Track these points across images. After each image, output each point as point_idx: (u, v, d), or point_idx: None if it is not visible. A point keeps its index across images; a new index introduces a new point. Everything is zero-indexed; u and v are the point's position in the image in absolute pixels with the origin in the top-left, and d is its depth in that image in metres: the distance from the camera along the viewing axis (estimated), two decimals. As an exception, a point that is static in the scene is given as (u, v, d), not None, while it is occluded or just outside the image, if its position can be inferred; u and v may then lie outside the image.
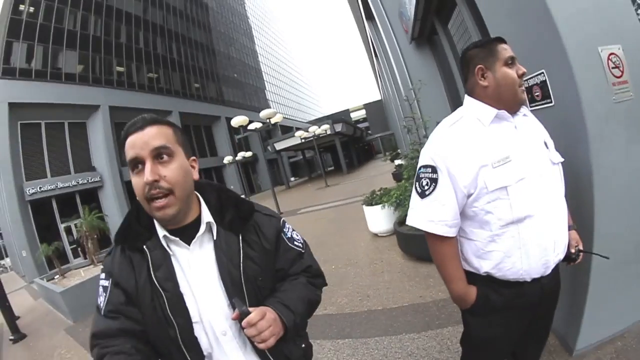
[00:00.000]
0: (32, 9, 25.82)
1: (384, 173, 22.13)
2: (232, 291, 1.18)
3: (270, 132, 48.38)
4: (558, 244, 1.51)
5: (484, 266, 1.53)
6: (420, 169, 1.55)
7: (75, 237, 23.73)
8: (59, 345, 6.74)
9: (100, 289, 1.21)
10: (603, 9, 1.93)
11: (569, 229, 1.62)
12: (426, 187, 1.50)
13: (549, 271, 1.52)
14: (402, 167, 9.64)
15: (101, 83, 29.83)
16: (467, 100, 1.60)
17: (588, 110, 1.88)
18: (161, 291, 1.14)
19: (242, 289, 1.19)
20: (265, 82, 70.60)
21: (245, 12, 69.60)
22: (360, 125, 68.98)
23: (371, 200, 7.54)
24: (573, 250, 1.64)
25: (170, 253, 1.19)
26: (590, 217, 2.03)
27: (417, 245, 5.29)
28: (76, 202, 25.49)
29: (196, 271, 1.19)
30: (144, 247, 1.18)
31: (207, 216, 1.24)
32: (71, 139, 27.01)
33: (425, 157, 1.53)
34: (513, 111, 1.52)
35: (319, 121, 45.09)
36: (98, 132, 27.88)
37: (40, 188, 23.58)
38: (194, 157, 1.27)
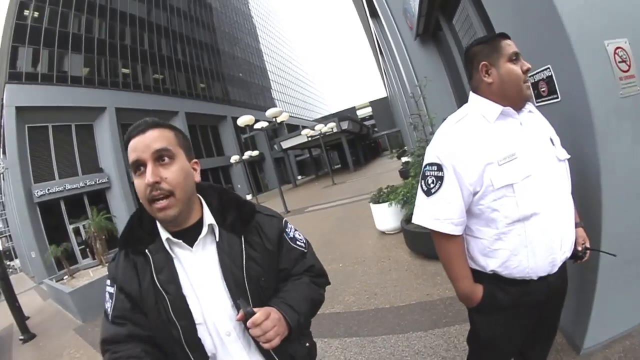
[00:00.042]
0: (36, 14, 26.11)
1: (390, 170, 22.07)
2: (236, 292, 1.19)
3: (276, 130, 48.34)
4: (565, 242, 1.50)
5: (490, 264, 1.52)
6: (425, 167, 1.54)
7: (83, 238, 24.02)
8: (68, 345, 6.82)
9: (107, 295, 1.23)
10: (609, 2, 1.89)
11: (576, 227, 1.60)
12: (432, 185, 1.49)
13: (555, 269, 1.51)
14: (409, 164, 9.61)
15: (107, 85, 30.05)
16: (472, 97, 1.59)
17: (595, 106, 1.85)
18: (164, 294, 1.15)
19: (246, 290, 1.20)
20: (271, 81, 70.61)
21: (249, 11, 69.65)
22: (366, 123, 68.87)
23: (378, 198, 7.53)
24: (580, 248, 1.62)
25: (173, 256, 1.20)
26: (598, 214, 2.00)
27: (424, 243, 5.27)
28: (84, 204, 25.76)
29: (199, 273, 1.20)
30: (146, 250, 1.19)
31: (209, 218, 1.25)
32: (78, 141, 27.30)
33: (430, 155, 1.52)
34: (518, 108, 1.51)
35: (325, 119, 45.03)
36: (105, 134, 28.11)
37: (48, 190, 23.86)
38: (195, 160, 1.29)
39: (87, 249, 22.81)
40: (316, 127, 32.13)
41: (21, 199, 22.33)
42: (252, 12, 71.34)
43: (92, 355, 5.88)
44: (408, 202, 6.56)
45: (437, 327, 3.51)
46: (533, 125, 1.54)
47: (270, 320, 1.12)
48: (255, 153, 37.00)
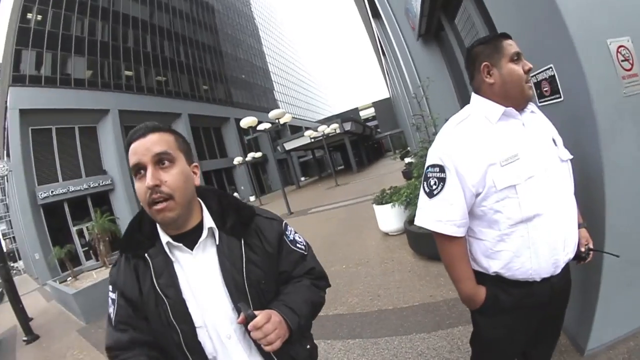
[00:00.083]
0: (39, 17, 26.29)
1: (393, 171, 22.06)
2: (236, 295, 1.19)
3: (279, 132, 48.50)
4: (568, 243, 1.49)
5: (493, 266, 1.51)
6: (428, 168, 1.53)
7: (87, 240, 24.13)
8: (71, 346, 6.85)
9: (109, 301, 1.25)
10: (611, 0, 1.88)
11: (579, 227, 1.59)
12: (434, 187, 1.49)
13: (558, 270, 1.50)
14: (412, 165, 9.60)
15: (110, 87, 30.21)
16: (474, 98, 1.58)
17: (598, 105, 1.84)
18: (164, 298, 1.16)
19: (246, 293, 1.21)
20: (274, 83, 70.76)
21: (252, 13, 69.82)
22: (369, 124, 68.84)
23: (381, 199, 7.52)
24: (583, 249, 1.61)
25: (173, 259, 1.21)
26: (601, 215, 1.99)
27: (427, 244, 5.25)
28: (88, 205, 25.88)
29: (200, 276, 1.21)
30: (146, 255, 1.21)
31: (209, 221, 1.26)
32: (82, 143, 27.44)
33: (432, 157, 1.51)
34: (520, 108, 1.50)
35: (328, 120, 45.06)
36: (108, 136, 28.23)
37: (52, 192, 23.98)
38: (195, 164, 1.30)
39: (91, 251, 23.02)
40: (319, 129, 32.13)
41: (25, 200, 22.44)
42: (254, 14, 71.53)
43: (95, 356, 5.90)
44: (411, 203, 6.55)
45: (441, 329, 3.49)
46: (535, 125, 1.53)
47: (271, 323, 1.13)
48: (259, 154, 37.08)
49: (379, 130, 77.07)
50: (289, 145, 39.97)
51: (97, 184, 26.77)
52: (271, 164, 47.74)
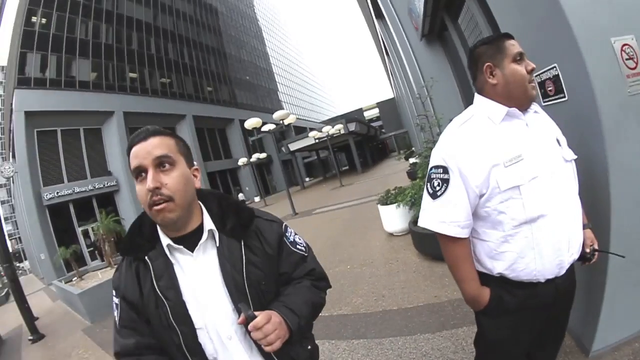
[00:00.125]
0: (44, 20, 26.54)
1: (398, 172, 22.02)
2: (236, 296, 1.20)
3: (284, 133, 48.51)
4: (572, 244, 1.48)
5: (497, 267, 1.50)
6: (431, 169, 1.53)
7: (92, 240, 24.26)
8: (76, 345, 6.90)
9: (114, 305, 1.28)
10: (615, -2, 1.87)
11: (584, 228, 1.58)
12: (438, 188, 1.48)
13: (563, 271, 1.49)
14: (417, 165, 9.58)
15: (115, 89, 30.42)
16: (477, 98, 1.58)
17: (602, 104, 1.82)
18: (164, 300, 1.17)
19: (246, 294, 1.22)
20: (278, 84, 70.86)
21: (255, 14, 69.98)
22: (373, 124, 68.82)
23: (386, 200, 7.50)
24: (588, 250, 1.60)
25: (174, 261, 1.22)
26: (606, 215, 1.97)
27: (432, 245, 5.24)
28: (93, 206, 26.08)
29: (200, 278, 1.22)
30: (146, 257, 1.22)
31: (209, 224, 1.27)
32: (87, 145, 27.65)
33: (436, 158, 1.51)
34: (524, 108, 1.50)
35: (332, 121, 45.01)
36: (113, 138, 28.41)
37: (57, 193, 24.18)
38: (196, 167, 1.31)
39: (96, 251, 23.16)
40: (323, 129, 32.15)
41: (31, 202, 22.65)
42: (258, 15, 71.70)
43: (100, 355, 5.93)
44: (416, 204, 6.53)
45: (445, 329, 3.48)
46: (539, 126, 1.52)
47: (271, 323, 1.14)
48: (263, 155, 37.12)
49: (383, 130, 77.02)
50: (293, 146, 40.01)
51: (102, 185, 26.97)
52: (276, 164, 47.86)
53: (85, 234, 25.60)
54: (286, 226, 1.45)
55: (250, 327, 1.10)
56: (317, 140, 34.94)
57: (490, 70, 1.49)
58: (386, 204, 7.39)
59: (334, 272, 6.25)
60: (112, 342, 1.28)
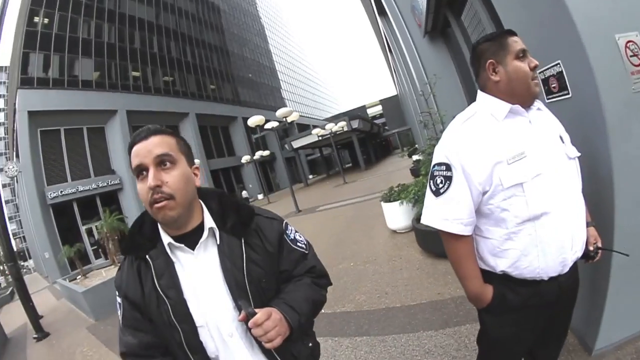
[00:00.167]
0: (46, 20, 26.67)
1: (401, 169, 22.03)
2: (237, 294, 1.21)
3: (287, 130, 48.54)
4: (576, 242, 1.47)
5: (500, 265, 1.50)
6: (434, 166, 1.52)
7: (96, 239, 24.33)
8: (81, 343, 6.94)
9: (117, 305, 1.29)
10: (619, -6, 1.86)
11: (587, 226, 1.58)
12: (440, 185, 1.48)
13: (566, 269, 1.48)
14: (420, 162, 9.58)
15: (118, 88, 30.52)
16: (480, 95, 1.57)
17: (606, 101, 1.81)
18: (165, 298, 1.18)
19: (247, 291, 1.22)
20: (281, 81, 70.83)
21: (257, 12, 69.92)
22: (377, 121, 68.74)
23: (389, 197, 7.50)
24: (591, 248, 1.59)
25: (175, 260, 1.23)
26: (610, 213, 1.96)
27: (435, 242, 5.22)
28: (97, 205, 26.25)
29: (201, 276, 1.23)
30: (147, 256, 1.23)
31: (209, 222, 1.28)
32: (90, 144, 27.79)
33: (439, 155, 1.50)
34: (527, 105, 1.49)
35: (335, 118, 44.98)
36: (116, 136, 28.50)
37: (61, 192, 24.32)
38: (196, 166, 1.32)
39: (100, 249, 23.25)
40: (327, 126, 32.09)
41: (34, 201, 22.79)
42: (260, 13, 71.62)
43: (104, 353, 5.97)
44: (419, 201, 6.52)
45: (448, 327, 3.49)
46: (542, 123, 1.51)
47: (271, 320, 1.14)
48: (266, 153, 37.17)
49: (386, 127, 76.93)
50: (296, 144, 39.99)
51: (105, 184, 27.10)
52: (279, 162, 47.89)
53: (89, 232, 25.72)
54: (287, 224, 1.45)
55: (250, 323, 1.11)
56: (320, 138, 34.90)
57: (493, 67, 1.48)
58: (389, 201, 7.39)
59: (337, 269, 6.26)
60: (116, 340, 1.29)
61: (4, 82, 54.52)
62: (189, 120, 36.92)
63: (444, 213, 1.48)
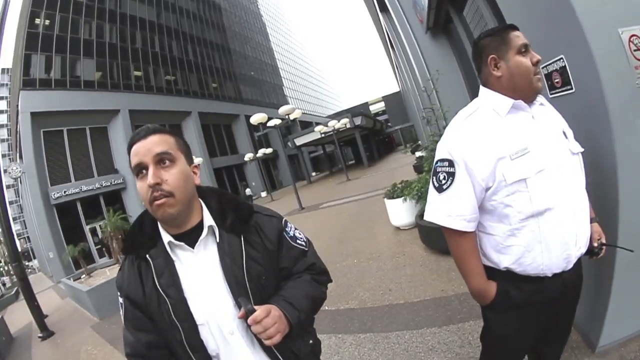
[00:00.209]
0: (47, 22, 26.80)
1: (404, 165, 21.99)
2: (237, 291, 1.21)
3: (289, 128, 48.56)
4: (580, 238, 1.46)
5: (503, 261, 1.49)
6: (437, 162, 1.52)
7: (100, 238, 24.43)
8: (85, 341, 6.99)
9: (119, 305, 1.29)
10: (622, -12, 1.84)
11: (591, 222, 1.57)
12: (443, 182, 1.47)
13: (570, 266, 1.47)
14: (423, 159, 9.55)
15: (120, 88, 30.63)
16: (483, 91, 1.56)
17: (610, 96, 1.79)
18: (165, 297, 1.19)
19: (247, 289, 1.23)
20: (283, 79, 70.83)
21: (259, 10, 69.91)
22: (379, 118, 68.58)
23: (392, 193, 7.49)
24: (596, 244, 1.57)
25: (175, 259, 1.24)
26: (614, 209, 1.95)
27: (439, 239, 5.21)
28: (100, 204, 26.36)
29: (201, 274, 1.24)
30: (147, 255, 1.23)
31: (209, 220, 1.28)
32: (93, 144, 27.94)
33: (441, 151, 1.50)
34: (529, 100, 1.47)
35: (338, 115, 45.00)
36: (119, 136, 28.59)
37: (65, 192, 24.46)
38: (195, 164, 1.33)
39: (104, 249, 23.34)
40: (329, 124, 32.11)
41: (38, 201, 22.92)
42: (262, 11, 71.60)
43: (108, 351, 6.00)
44: (422, 197, 6.52)
45: (452, 323, 3.48)
46: (545, 118, 1.50)
47: (270, 317, 1.15)
48: (269, 150, 37.21)
49: (389, 124, 76.73)
50: (299, 141, 39.98)
51: (109, 183, 27.22)
52: (282, 159, 47.83)
53: (93, 231, 25.86)
54: (286, 221, 1.45)
55: (249, 320, 1.11)
56: (323, 135, 34.91)
57: (495, 62, 1.47)
58: (393, 197, 7.38)
59: (341, 266, 6.27)
60: (120, 338, 1.30)
61: (6, 84, 54.66)
62: (191, 118, 36.98)
63: (447, 209, 1.47)
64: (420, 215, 6.15)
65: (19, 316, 12.55)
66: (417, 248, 5.98)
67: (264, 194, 38.93)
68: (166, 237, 1.23)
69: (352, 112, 38.84)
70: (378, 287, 4.93)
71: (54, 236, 23.05)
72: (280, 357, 1.26)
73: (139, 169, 1.17)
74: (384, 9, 13.79)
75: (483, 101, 1.52)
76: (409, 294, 4.43)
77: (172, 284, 1.20)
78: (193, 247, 1.24)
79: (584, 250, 1.51)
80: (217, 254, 1.25)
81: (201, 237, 1.24)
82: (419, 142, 26.19)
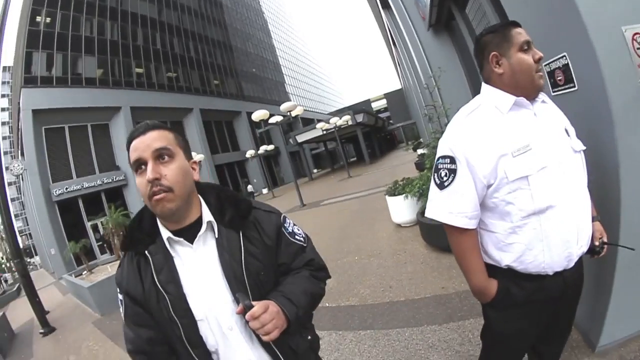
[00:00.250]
0: (48, 19, 26.81)
1: (406, 162, 21.98)
2: (236, 287, 1.21)
3: (291, 124, 48.51)
4: (581, 236, 1.45)
5: (504, 259, 1.49)
6: (438, 159, 1.51)
7: (101, 234, 24.53)
8: (86, 337, 7.01)
9: (119, 302, 1.30)
10: (626, -15, 1.82)
11: (593, 220, 1.56)
12: (445, 178, 1.47)
13: (572, 264, 1.47)
14: (425, 156, 9.55)
15: (121, 85, 30.69)
16: (484, 88, 1.55)
17: (613, 94, 1.78)
18: (164, 294, 1.19)
19: (245, 284, 1.23)
20: (285, 76, 70.75)
21: (260, 7, 69.80)
22: (381, 115, 68.56)
23: (394, 191, 7.48)
24: (597, 243, 1.57)
25: (173, 254, 1.24)
26: (616, 207, 1.94)
27: (440, 236, 5.21)
28: (102, 201, 26.42)
29: (200, 269, 1.24)
30: (146, 252, 1.24)
31: (207, 216, 1.29)
32: (95, 140, 28.00)
33: (443, 148, 1.49)
34: (531, 98, 1.47)
35: (340, 112, 44.88)
36: (121, 132, 28.63)
37: (66, 189, 24.52)
38: (194, 160, 1.33)
39: (105, 245, 23.49)
40: (331, 121, 32.06)
41: (40, 198, 22.98)
42: (263, 8, 71.50)
43: (110, 347, 6.02)
44: (424, 195, 6.52)
45: (452, 321, 3.48)
46: (547, 115, 1.50)
47: (268, 313, 1.14)
48: (271, 147, 37.18)
49: (391, 121, 76.62)
50: (301, 138, 39.97)
51: (110, 180, 27.28)
52: (283, 156, 47.89)
53: (95, 228, 25.92)
54: (284, 217, 1.45)
55: (247, 316, 1.11)
56: (324, 132, 34.88)
57: (497, 59, 1.46)
58: (394, 194, 7.37)
59: (342, 262, 6.27)
60: (121, 334, 1.30)
61: (8, 82, 54.75)
62: (193, 115, 37.01)
63: (449, 206, 1.47)
64: (422, 212, 6.15)
65: (20, 312, 12.59)
66: (418, 245, 5.98)
67: (265, 191, 38.95)
68: (165, 233, 1.24)
69: (354, 109, 38.81)
70: (379, 284, 4.93)
71: (55, 233, 23.09)
72: (278, 352, 1.27)
73: (138, 165, 1.17)
74: (386, 5, 13.76)
75: (485, 98, 1.51)
76: (410, 291, 4.43)
77: (171, 280, 1.20)
78: (192, 243, 1.24)
79: (585, 248, 1.51)
80: (215, 249, 1.25)
81: (200, 233, 1.25)
82: (421, 139, 26.19)
